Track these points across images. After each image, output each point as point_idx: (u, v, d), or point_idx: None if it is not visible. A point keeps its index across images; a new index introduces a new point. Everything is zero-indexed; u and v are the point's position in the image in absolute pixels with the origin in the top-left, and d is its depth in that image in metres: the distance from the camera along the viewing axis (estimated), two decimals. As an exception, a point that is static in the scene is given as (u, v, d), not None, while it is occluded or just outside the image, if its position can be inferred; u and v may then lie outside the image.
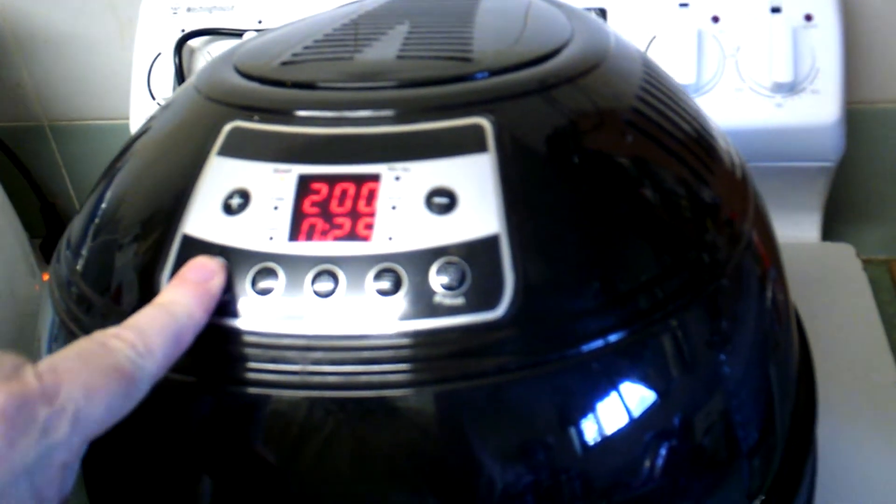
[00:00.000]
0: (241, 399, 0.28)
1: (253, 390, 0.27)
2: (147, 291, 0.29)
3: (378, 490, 0.28)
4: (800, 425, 0.38)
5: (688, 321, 0.30)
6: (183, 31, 0.69)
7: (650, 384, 0.30)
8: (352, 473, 0.28)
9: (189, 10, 0.70)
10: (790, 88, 0.60)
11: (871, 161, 0.71)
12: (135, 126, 0.73)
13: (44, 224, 0.88)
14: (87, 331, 0.30)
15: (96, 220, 0.33)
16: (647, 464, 0.30)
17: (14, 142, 0.84)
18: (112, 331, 0.26)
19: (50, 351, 0.33)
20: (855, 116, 0.67)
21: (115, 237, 0.32)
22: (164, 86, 0.70)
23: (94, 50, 0.80)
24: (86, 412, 0.24)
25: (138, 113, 0.72)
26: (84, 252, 0.33)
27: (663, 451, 0.31)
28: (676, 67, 0.61)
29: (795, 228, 0.69)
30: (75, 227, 0.35)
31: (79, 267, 0.32)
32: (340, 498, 0.28)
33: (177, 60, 0.69)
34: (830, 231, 0.73)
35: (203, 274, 0.28)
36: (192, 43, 0.70)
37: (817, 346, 0.55)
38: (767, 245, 0.36)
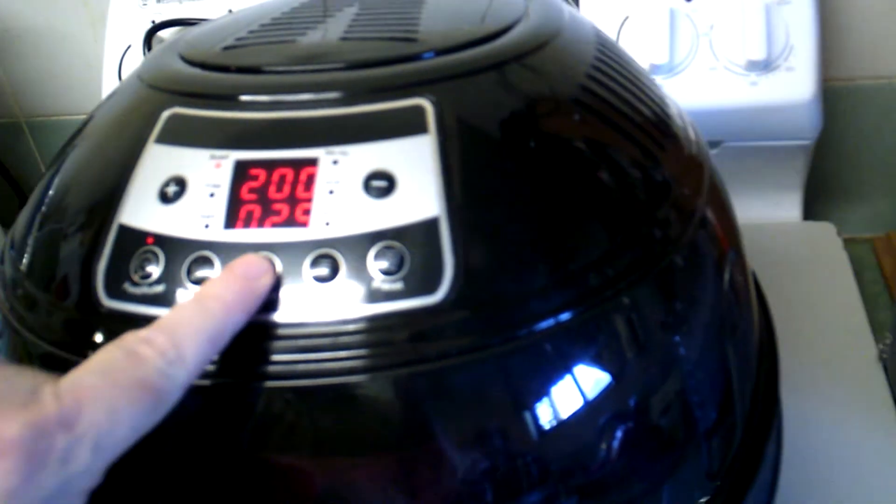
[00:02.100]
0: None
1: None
2: (86, 284, 0.28)
3: (319, 480, 0.27)
4: (761, 404, 0.38)
5: (640, 300, 0.30)
6: (153, 22, 0.69)
7: (602, 365, 0.29)
8: (291, 461, 0.27)
9: (159, 0, 0.70)
10: (765, 66, 0.59)
11: (851, 138, 0.70)
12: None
13: (23, 221, 0.88)
14: (31, 329, 0.30)
15: (38, 215, 0.33)
16: (603, 446, 0.30)
17: (-10, 139, 0.84)
18: (143, 334, 0.24)
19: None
20: (832, 94, 0.66)
21: (56, 230, 0.31)
22: (136, 78, 0.69)
23: (68, 44, 0.79)
24: (109, 435, 0.22)
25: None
26: (27, 247, 0.32)
27: (619, 434, 0.30)
28: (649, 47, 0.60)
29: (776, 208, 0.69)
30: (19, 222, 0.34)
31: (22, 264, 0.32)
32: (281, 484, 0.28)
33: (146, 51, 0.68)
34: (812, 210, 0.72)
35: (251, 270, 0.26)
36: (163, 34, 0.69)
37: (797, 326, 0.55)
38: (724, 223, 0.35)
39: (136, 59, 0.69)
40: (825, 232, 0.67)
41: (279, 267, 0.27)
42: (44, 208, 0.32)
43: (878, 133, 0.70)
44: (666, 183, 0.32)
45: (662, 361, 0.31)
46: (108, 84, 0.70)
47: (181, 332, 0.24)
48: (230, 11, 0.68)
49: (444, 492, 0.28)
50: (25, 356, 0.30)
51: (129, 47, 0.70)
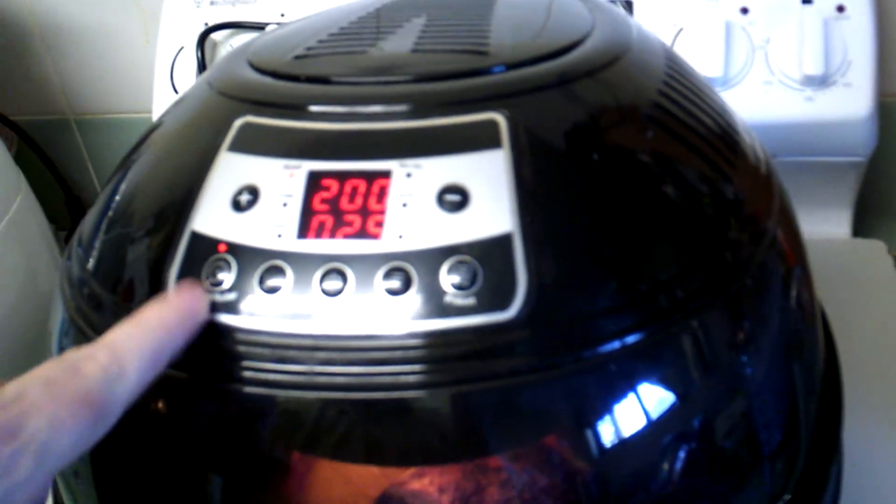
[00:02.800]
0: (248, 399, 0.27)
1: (259, 390, 0.27)
2: (155, 289, 0.28)
3: (387, 493, 0.27)
4: (825, 427, 0.37)
5: (709, 322, 0.30)
6: (206, 24, 0.69)
7: (669, 386, 0.29)
8: (360, 476, 0.27)
9: (212, 3, 0.70)
10: (821, 81, 0.59)
11: (904, 155, 0.69)
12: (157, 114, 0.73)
13: (69, 216, 0.89)
14: (96, 329, 0.30)
15: (107, 217, 0.33)
16: (666, 467, 0.30)
17: (40, 135, 0.85)
18: (86, 351, 0.25)
19: (60, 348, 0.33)
20: (887, 110, 0.65)
21: (125, 233, 0.31)
22: (187, 79, 0.70)
23: (119, 43, 0.80)
24: (51, 447, 0.22)
25: (161, 106, 0.72)
26: (94, 248, 0.32)
27: (682, 454, 0.30)
28: (703, 60, 0.59)
29: (825, 224, 0.68)
30: (87, 223, 0.34)
31: (89, 264, 0.32)
32: (349, 500, 0.28)
33: (199, 54, 0.68)
34: (861, 227, 0.71)
35: (189, 297, 0.27)
36: (215, 36, 0.70)
37: (846, 345, 0.54)
38: (793, 243, 0.35)
39: (188, 61, 0.69)
40: (875, 249, 0.66)
41: (352, 278, 0.27)
42: (112, 211, 0.33)
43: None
44: (738, 202, 0.32)
45: (729, 382, 0.31)
46: (160, 85, 0.71)
47: (123, 349, 0.25)
48: (282, 16, 0.68)
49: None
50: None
51: (181, 49, 0.70)
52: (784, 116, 0.59)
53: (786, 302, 0.33)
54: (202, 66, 0.69)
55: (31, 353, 0.72)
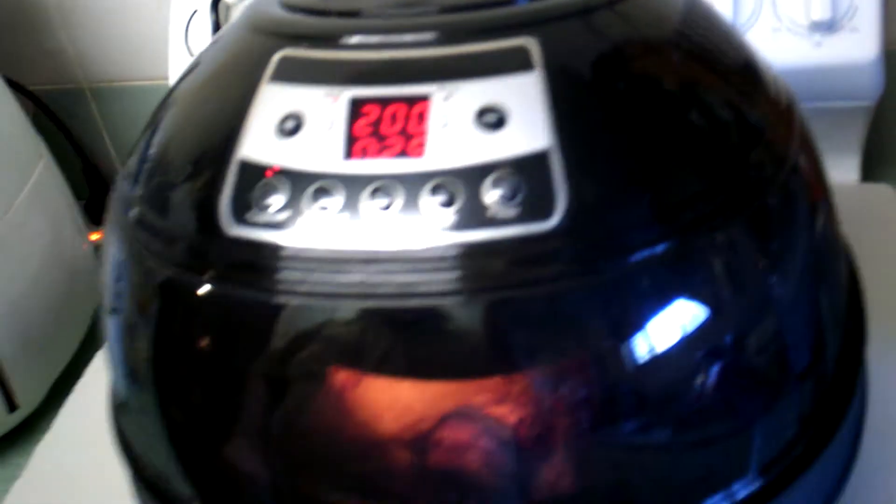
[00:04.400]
0: (304, 312, 0.29)
1: (316, 302, 0.28)
2: (209, 214, 0.30)
3: (433, 398, 0.29)
4: (849, 355, 0.38)
5: (735, 237, 0.31)
6: (219, -13, 0.70)
7: (700, 297, 0.30)
8: (410, 383, 0.29)
9: (224, -34, 0.71)
10: (828, 27, 0.60)
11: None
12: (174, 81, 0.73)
13: (87, 185, 0.90)
14: (155, 257, 0.31)
15: (154, 152, 0.34)
16: (699, 380, 0.31)
17: (55, 105, 0.86)
18: None
19: (116, 279, 0.34)
20: (893, 57, 0.66)
21: (173, 167, 0.33)
22: (202, 43, 0.71)
23: (131, 11, 0.81)
24: None
25: (177, 71, 0.73)
26: (144, 183, 0.34)
27: (715, 369, 0.31)
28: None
29: (834, 170, 0.68)
30: (134, 159, 0.36)
31: (140, 197, 0.33)
32: (397, 407, 0.29)
33: (213, 17, 0.69)
34: (870, 173, 0.72)
35: None
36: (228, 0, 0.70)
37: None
38: (815, 172, 0.36)
39: (202, 25, 0.70)
40: (883, 194, 0.67)
41: (399, 195, 0.28)
42: (159, 146, 0.34)
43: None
44: (759, 127, 0.33)
45: (758, 300, 0.32)
46: (175, 50, 0.72)
47: None
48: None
49: (541, 411, 0.30)
50: (147, 283, 0.32)
51: (195, 12, 0.71)
52: (792, 62, 0.60)
53: (810, 227, 0.35)
54: (216, 30, 0.70)
55: (57, 318, 0.73)
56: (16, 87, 0.74)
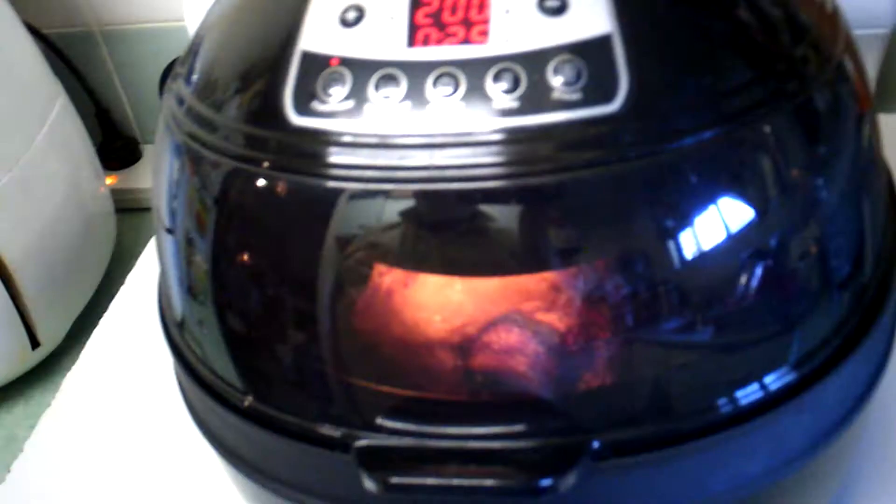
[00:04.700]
0: (369, 198, 0.29)
1: (379, 187, 0.29)
2: (273, 105, 0.30)
3: (498, 270, 0.29)
4: (886, 265, 0.39)
5: (783, 128, 0.31)
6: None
7: (748, 188, 0.31)
8: (477, 262, 0.29)
9: None
10: (847, -47, 0.60)
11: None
12: (192, 26, 0.73)
13: (100, 130, 0.90)
14: (214, 150, 0.32)
15: (211, 50, 0.34)
16: (743, 275, 0.32)
17: (68, 49, 0.85)
18: None
19: (171, 174, 0.35)
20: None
21: (233, 63, 0.33)
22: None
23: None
24: None
25: (193, 12, 0.72)
26: (202, 81, 0.34)
27: (758, 264, 0.32)
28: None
29: (850, 102, 0.69)
30: (190, 53, 0.36)
31: (197, 92, 0.33)
32: (455, 300, 0.30)
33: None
34: (884, 105, 0.73)
35: None
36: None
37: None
38: (861, 81, 0.36)
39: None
40: (900, 125, 0.68)
41: (463, 81, 0.29)
42: (217, 41, 0.34)
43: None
44: (807, 24, 0.33)
45: (801, 200, 0.32)
46: (191, -14, 0.71)
47: None
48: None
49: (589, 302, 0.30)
50: (209, 176, 0.32)
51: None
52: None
53: (856, 133, 0.35)
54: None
55: (77, 258, 0.73)
56: (31, 30, 0.74)
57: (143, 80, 0.88)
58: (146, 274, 0.68)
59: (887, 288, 0.38)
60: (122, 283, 0.68)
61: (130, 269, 0.69)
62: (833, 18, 0.37)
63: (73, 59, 0.86)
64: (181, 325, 0.38)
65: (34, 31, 0.77)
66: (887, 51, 0.67)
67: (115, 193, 0.85)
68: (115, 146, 0.91)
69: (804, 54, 0.33)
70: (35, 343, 0.71)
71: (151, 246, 0.71)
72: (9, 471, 0.54)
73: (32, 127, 0.68)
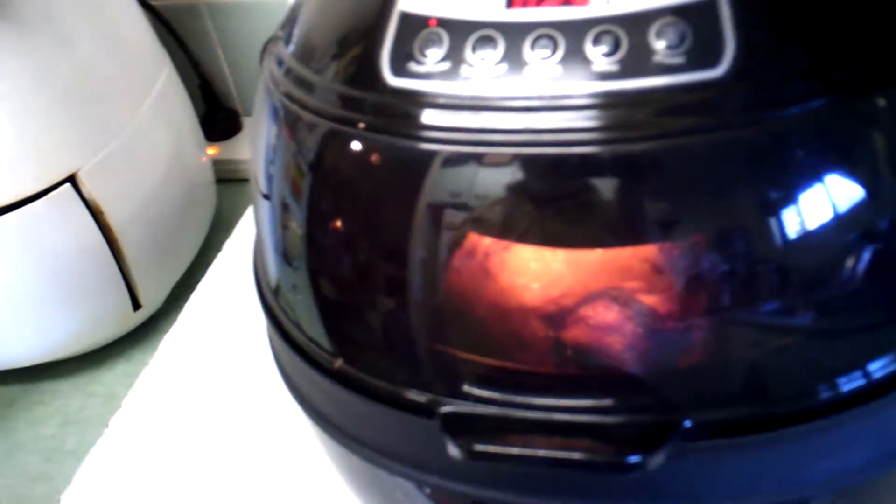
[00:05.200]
0: (466, 160, 0.29)
1: (476, 150, 0.28)
2: (370, 65, 0.30)
3: (593, 241, 0.29)
4: None
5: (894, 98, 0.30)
6: None
7: (859, 162, 0.29)
8: (570, 231, 0.29)
9: None
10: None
11: None
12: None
13: (203, 101, 0.92)
14: (313, 111, 0.32)
15: (309, 12, 0.35)
16: (849, 260, 0.30)
17: (175, 20, 0.88)
18: None
19: (271, 132, 0.35)
20: None
21: (330, 24, 0.33)
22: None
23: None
24: None
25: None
26: (300, 43, 0.34)
27: (866, 252, 0.30)
28: None
29: None
30: (290, 19, 0.36)
31: (297, 53, 0.34)
32: (555, 255, 0.29)
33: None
34: None
35: None
36: None
37: None
38: None
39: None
40: None
41: (562, 43, 0.28)
42: (316, 2, 0.34)
43: None
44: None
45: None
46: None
47: None
48: None
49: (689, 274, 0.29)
50: (306, 138, 0.32)
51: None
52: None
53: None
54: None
55: (179, 224, 0.75)
56: (140, 1, 0.76)
57: (246, 53, 0.89)
58: (243, 242, 0.70)
59: None
60: (220, 250, 0.70)
61: (228, 238, 0.71)
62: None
63: (178, 31, 0.88)
64: (276, 289, 0.39)
65: (143, 3, 0.79)
66: None
67: (216, 164, 0.87)
68: (217, 117, 0.93)
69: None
70: (137, 305, 0.73)
71: (248, 215, 0.72)
72: (107, 426, 0.56)
73: (139, 95, 0.70)
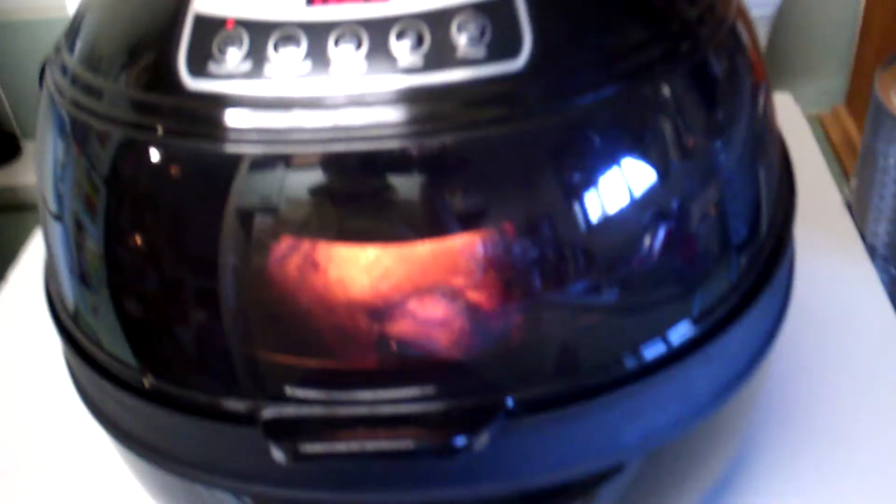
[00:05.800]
0: (273, 161, 0.29)
1: (284, 150, 0.28)
2: (166, 69, 0.29)
3: (403, 233, 0.29)
4: (780, 225, 0.40)
5: (679, 87, 0.32)
6: None
7: (649, 146, 0.31)
8: (380, 225, 0.29)
9: None
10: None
11: (809, 13, 0.74)
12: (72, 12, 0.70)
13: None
14: (101, 119, 0.30)
15: (96, 17, 0.33)
16: (645, 236, 0.32)
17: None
18: None
19: (58, 176, 0.33)
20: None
21: (120, 28, 0.32)
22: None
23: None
24: None
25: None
26: (87, 45, 0.32)
27: (660, 229, 0.32)
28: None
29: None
30: (74, 22, 0.34)
31: (83, 60, 0.32)
32: (367, 251, 0.29)
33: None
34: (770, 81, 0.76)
35: None
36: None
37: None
38: (754, 49, 0.37)
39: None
40: (784, 101, 0.71)
41: (365, 40, 0.28)
42: (102, 7, 0.33)
43: (825, 10, 0.74)
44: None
45: (701, 161, 0.33)
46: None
47: None
48: None
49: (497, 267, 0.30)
50: (98, 148, 0.31)
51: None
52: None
53: (751, 97, 0.36)
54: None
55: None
56: None
57: (23, 73, 0.84)
58: (28, 270, 0.66)
59: (782, 246, 0.40)
60: (2, 279, 0.66)
61: (14, 267, 0.66)
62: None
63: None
64: (74, 312, 0.36)
65: None
66: (772, 31, 0.70)
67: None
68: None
69: (698, 15, 0.34)
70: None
71: (35, 240, 0.68)
72: None
73: None
